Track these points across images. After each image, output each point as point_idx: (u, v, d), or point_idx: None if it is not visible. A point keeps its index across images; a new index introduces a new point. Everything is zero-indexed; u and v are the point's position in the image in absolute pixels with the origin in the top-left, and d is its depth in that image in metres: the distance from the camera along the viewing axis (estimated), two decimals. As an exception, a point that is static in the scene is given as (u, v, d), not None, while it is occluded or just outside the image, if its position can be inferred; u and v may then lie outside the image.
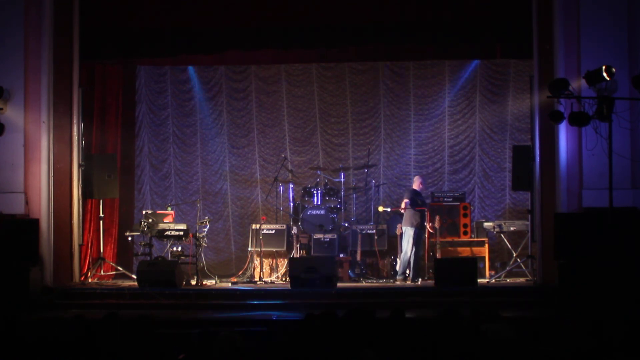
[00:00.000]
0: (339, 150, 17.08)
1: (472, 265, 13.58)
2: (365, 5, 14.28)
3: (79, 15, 14.14)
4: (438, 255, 14.49)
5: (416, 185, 14.87)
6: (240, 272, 15.46)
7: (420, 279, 14.34)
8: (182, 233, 14.34)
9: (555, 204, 12.87)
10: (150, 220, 14.36)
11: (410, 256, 14.29)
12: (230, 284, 14.51)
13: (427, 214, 14.60)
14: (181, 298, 13.10)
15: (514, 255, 14.44)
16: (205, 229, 14.67)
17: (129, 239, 15.39)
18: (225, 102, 17.13)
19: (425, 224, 14.55)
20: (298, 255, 14.88)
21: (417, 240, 14.40)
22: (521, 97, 15.98)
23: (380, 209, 15.20)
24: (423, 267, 14.66)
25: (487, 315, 8.21)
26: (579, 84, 11.76)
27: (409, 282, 14.24)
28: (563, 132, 12.74)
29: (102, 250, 15.04)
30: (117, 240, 16.08)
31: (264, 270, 15.15)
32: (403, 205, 14.60)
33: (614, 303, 10.59)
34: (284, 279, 14.81)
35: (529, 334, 7.40)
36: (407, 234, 14.39)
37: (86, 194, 14.52)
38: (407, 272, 14.36)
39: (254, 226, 15.43)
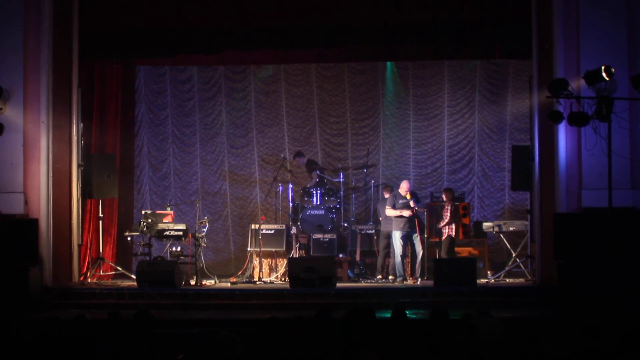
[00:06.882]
0: (338, 150, 17.08)
1: (472, 265, 13.59)
2: (365, 5, 14.29)
3: (78, 15, 14.17)
4: (437, 255, 14.50)
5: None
6: (240, 272, 15.45)
7: (419, 279, 14.34)
8: (181, 233, 14.33)
9: (555, 204, 12.88)
10: (149, 220, 14.35)
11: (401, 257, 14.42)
12: (229, 284, 14.51)
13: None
14: (180, 298, 13.10)
15: (514, 255, 14.43)
16: (205, 229, 14.66)
17: (128, 239, 15.38)
18: (224, 102, 17.13)
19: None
20: (297, 256, 14.88)
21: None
22: (520, 97, 15.97)
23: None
24: (423, 267, 14.65)
25: (479, 312, 8.26)
26: (578, 84, 11.76)
27: (408, 282, 14.27)
28: (562, 132, 12.76)
29: (101, 250, 15.04)
30: (116, 240, 16.08)
31: (263, 270, 15.15)
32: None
33: (614, 303, 10.58)
34: (283, 279, 14.81)
35: (528, 335, 7.40)
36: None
37: (85, 194, 14.52)
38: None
39: (253, 226, 15.43)
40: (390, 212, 14.46)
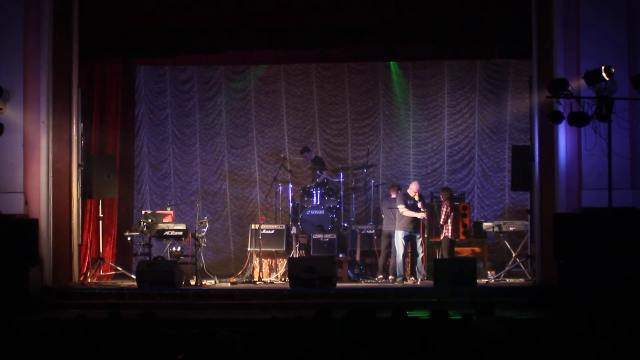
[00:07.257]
0: (338, 150, 17.07)
1: (472, 265, 13.58)
2: (365, 5, 14.29)
3: (78, 15, 14.17)
4: (437, 256, 14.49)
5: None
6: (240, 272, 15.45)
7: (419, 279, 14.34)
8: (181, 233, 14.33)
9: (555, 204, 12.88)
10: (149, 220, 14.35)
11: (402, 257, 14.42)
12: (229, 284, 14.51)
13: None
14: (180, 298, 13.11)
15: (513, 255, 14.43)
16: (205, 229, 14.66)
17: (128, 239, 15.38)
18: (224, 102, 17.12)
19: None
20: (297, 256, 14.88)
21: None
22: (520, 97, 15.98)
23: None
24: (420, 267, 14.63)
25: (479, 312, 8.26)
26: (578, 84, 11.76)
27: (409, 282, 14.27)
28: (562, 132, 12.75)
29: (101, 250, 15.04)
30: (116, 240, 16.08)
31: (263, 270, 15.14)
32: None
33: (613, 303, 10.57)
34: (283, 279, 14.81)
35: (528, 335, 7.40)
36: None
37: (85, 194, 14.52)
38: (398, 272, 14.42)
39: (253, 226, 15.43)
40: (405, 211, 14.40)
